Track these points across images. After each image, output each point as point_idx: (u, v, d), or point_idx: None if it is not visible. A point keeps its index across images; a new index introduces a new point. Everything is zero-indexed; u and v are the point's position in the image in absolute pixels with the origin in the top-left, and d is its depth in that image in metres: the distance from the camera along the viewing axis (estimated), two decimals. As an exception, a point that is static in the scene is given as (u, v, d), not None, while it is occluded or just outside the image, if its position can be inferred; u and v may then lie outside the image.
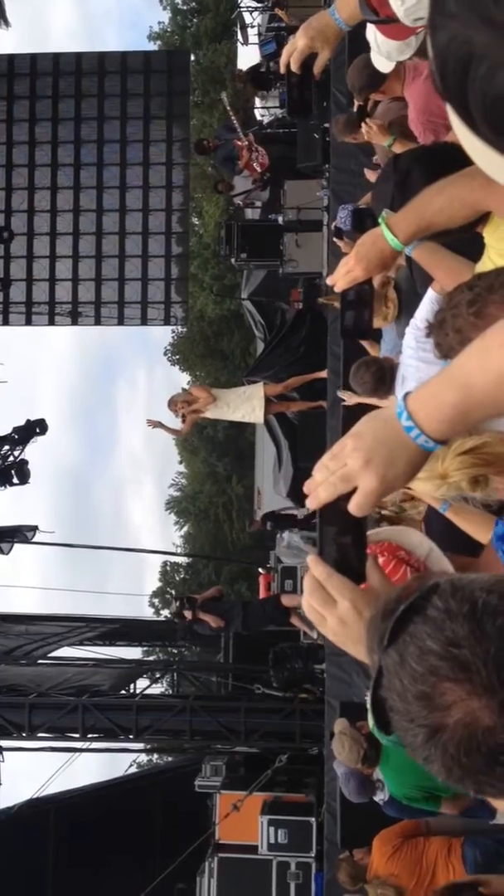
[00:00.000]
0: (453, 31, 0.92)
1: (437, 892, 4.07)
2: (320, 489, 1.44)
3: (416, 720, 1.10)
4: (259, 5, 16.50)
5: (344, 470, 1.42)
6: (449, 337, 2.27)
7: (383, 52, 4.26)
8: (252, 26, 16.19)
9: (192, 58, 26.67)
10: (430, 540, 2.07)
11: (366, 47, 4.25)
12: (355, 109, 6.45)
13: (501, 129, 0.94)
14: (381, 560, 1.91)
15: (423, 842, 5.23)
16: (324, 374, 9.91)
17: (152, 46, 38.90)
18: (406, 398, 1.42)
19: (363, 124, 5.53)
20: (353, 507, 1.42)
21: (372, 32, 4.46)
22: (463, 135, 1.00)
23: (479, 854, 5.11)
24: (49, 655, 12.91)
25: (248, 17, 16.38)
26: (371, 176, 7.18)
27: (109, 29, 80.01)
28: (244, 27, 16.22)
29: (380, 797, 5.27)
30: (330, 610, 1.45)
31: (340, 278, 2.46)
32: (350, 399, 6.42)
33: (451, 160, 2.23)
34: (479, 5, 0.89)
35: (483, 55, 0.90)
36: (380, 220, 2.42)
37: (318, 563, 1.46)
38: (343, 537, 1.47)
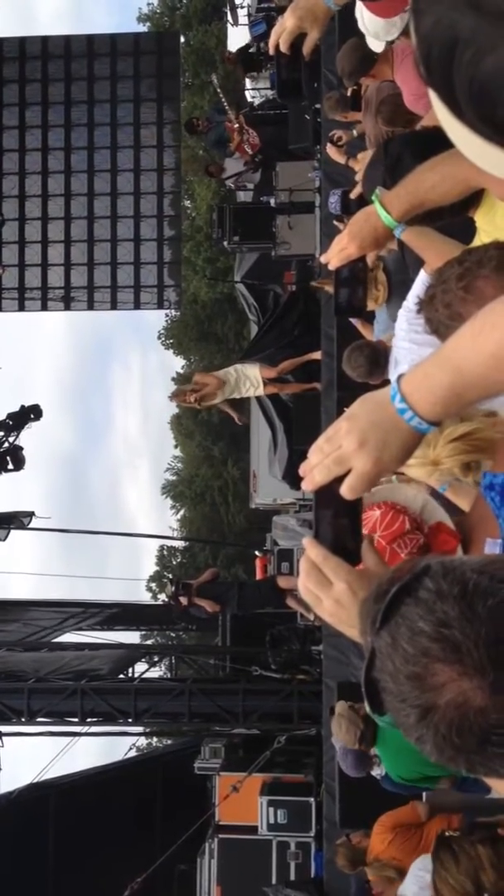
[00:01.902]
0: (438, 16, 0.90)
1: (451, 831, 4.10)
2: (315, 472, 1.45)
3: (408, 701, 1.11)
4: (248, -15, 16.41)
5: (338, 452, 1.43)
6: (438, 312, 2.27)
7: (371, 33, 4.27)
8: (241, 7, 16.10)
9: (182, 39, 26.50)
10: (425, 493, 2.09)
11: (357, 30, 4.25)
12: (348, 94, 6.45)
13: (487, 116, 0.93)
14: (378, 512, 1.92)
15: (423, 826, 5.28)
16: (317, 355, 9.90)
17: (142, 28, 38.64)
18: (399, 380, 1.42)
19: (362, 105, 5.51)
20: (346, 488, 1.43)
21: (359, 12, 4.45)
22: (446, 120, 0.99)
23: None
24: (47, 640, 12.96)
25: (237, -2, 16.28)
26: (332, 152, 7.17)
27: (98, 11, 79.34)
28: (234, 8, 16.13)
29: (377, 772, 5.33)
30: (326, 591, 1.46)
31: (334, 256, 2.46)
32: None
33: (442, 143, 2.23)
34: None
35: (469, 40, 0.88)
36: (373, 197, 2.42)
37: (314, 545, 1.47)
38: (338, 519, 1.48)
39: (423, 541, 1.86)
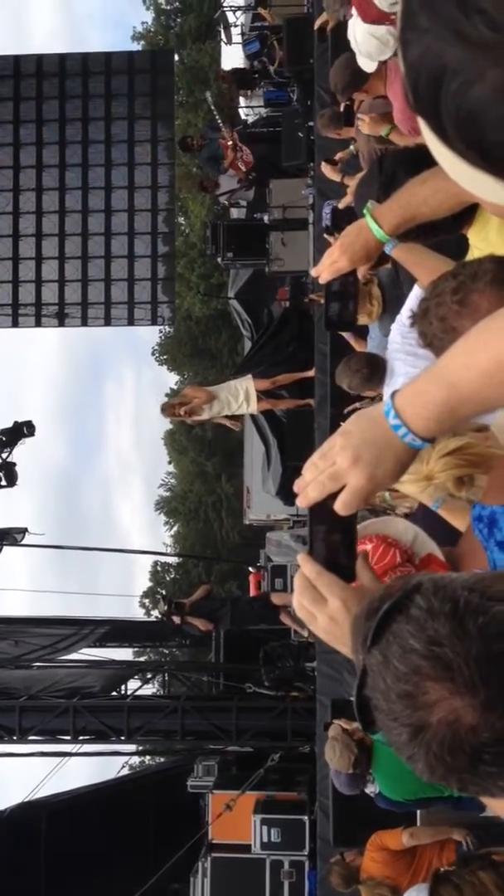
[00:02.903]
0: (426, 47, 0.92)
1: (446, 867, 4.07)
2: (309, 488, 1.45)
3: (399, 719, 1.11)
4: (242, 5, 16.51)
5: (332, 469, 1.43)
6: (433, 326, 2.26)
7: (364, 52, 4.28)
8: (235, 26, 16.18)
9: (177, 58, 26.63)
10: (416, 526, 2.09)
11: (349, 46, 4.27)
12: (341, 109, 6.47)
13: (474, 144, 0.95)
14: (370, 546, 1.92)
15: (415, 846, 5.26)
16: (312, 373, 9.90)
17: (136, 47, 38.88)
18: (393, 396, 1.42)
19: (356, 118, 5.53)
20: (340, 504, 1.43)
21: (351, 32, 4.48)
22: (435, 147, 1.01)
23: (472, 846, 5.14)
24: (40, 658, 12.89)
25: (231, 17, 16.36)
26: (327, 170, 7.20)
27: (93, 29, 79.79)
28: (227, 27, 16.21)
29: (370, 789, 5.30)
30: (320, 608, 1.45)
31: (325, 269, 2.44)
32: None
33: (435, 160, 2.23)
34: (451, 20, 0.89)
35: (456, 70, 0.90)
36: (364, 210, 2.41)
37: (309, 561, 1.47)
38: (333, 536, 1.47)
39: (414, 573, 1.86)
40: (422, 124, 1.00)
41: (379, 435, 1.41)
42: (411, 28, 0.94)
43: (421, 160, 2.31)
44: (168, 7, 42.37)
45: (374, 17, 4.07)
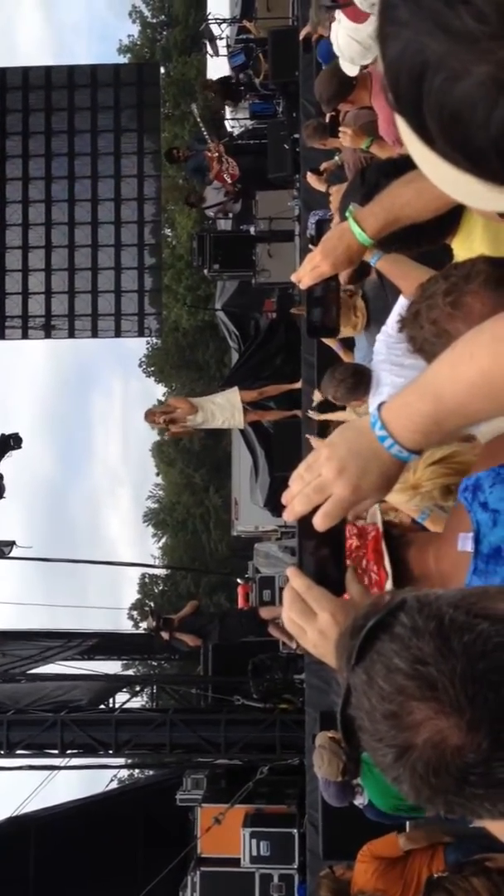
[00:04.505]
0: (406, 41, 0.85)
1: (439, 873, 4.05)
2: (296, 501, 1.44)
3: (384, 740, 1.08)
4: (227, 17, 16.57)
5: (318, 480, 1.42)
6: (424, 329, 2.19)
7: (346, 56, 4.30)
8: (221, 38, 16.23)
9: (162, 70, 26.70)
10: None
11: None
12: (327, 120, 6.49)
13: (458, 144, 0.88)
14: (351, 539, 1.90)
15: (405, 857, 5.22)
16: (299, 385, 9.90)
17: (122, 59, 38.98)
18: (380, 408, 1.41)
19: (339, 131, 5.54)
20: (321, 514, 1.41)
21: (334, 36, 4.50)
22: (415, 149, 0.95)
23: (461, 857, 5.11)
24: (26, 671, 12.82)
25: (216, 30, 16.41)
26: (313, 180, 7.21)
27: (79, 42, 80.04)
28: (213, 39, 16.26)
29: (359, 801, 5.27)
30: (310, 622, 1.44)
31: (306, 274, 2.39)
32: (316, 416, 6.41)
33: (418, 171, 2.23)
34: (433, 12, 0.83)
35: (439, 64, 0.84)
36: (347, 213, 2.38)
37: (298, 574, 1.45)
38: (321, 549, 1.46)
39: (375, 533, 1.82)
40: (402, 125, 0.94)
41: (365, 446, 1.40)
42: (391, 22, 0.87)
43: (405, 170, 2.29)
44: (154, 20, 42.55)
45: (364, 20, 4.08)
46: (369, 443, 1.40)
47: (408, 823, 5.91)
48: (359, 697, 1.11)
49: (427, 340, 2.17)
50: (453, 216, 2.51)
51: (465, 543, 1.66)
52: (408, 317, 2.27)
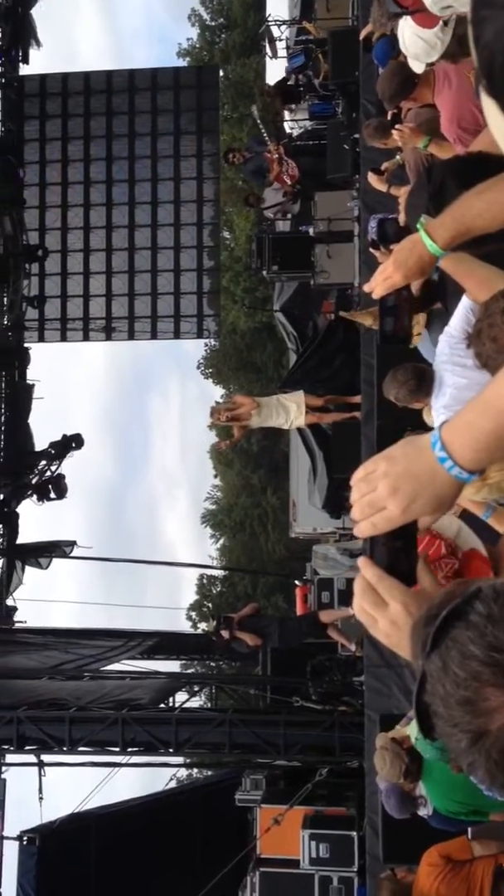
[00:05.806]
0: (501, 23, 0.83)
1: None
2: (361, 525, 1.47)
3: (459, 725, 1.10)
4: (287, 19, 16.56)
5: (372, 496, 1.44)
6: (486, 346, 2.27)
7: (411, 54, 4.30)
8: (280, 40, 16.23)
9: (221, 73, 26.83)
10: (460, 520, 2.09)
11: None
12: (388, 118, 6.46)
13: None
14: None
15: (470, 862, 5.15)
16: (359, 398, 9.88)
17: (181, 63, 39.25)
18: (441, 428, 1.42)
19: (395, 129, 5.51)
20: (368, 523, 1.44)
21: (400, 34, 4.48)
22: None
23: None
24: (90, 669, 12.97)
25: (275, 31, 16.41)
26: (374, 180, 7.17)
27: (138, 46, 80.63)
28: (272, 41, 16.26)
29: (423, 812, 5.20)
30: (381, 612, 1.45)
31: (378, 285, 2.44)
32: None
33: (485, 169, 2.22)
34: None
35: None
36: (418, 225, 2.41)
37: (369, 565, 1.47)
38: (394, 541, 1.48)
39: (457, 566, 1.85)
40: (491, 110, 0.91)
41: (423, 468, 1.42)
42: (485, 4, 0.85)
43: (470, 169, 2.29)
44: (213, 23, 42.75)
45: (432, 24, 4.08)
46: (428, 462, 1.41)
47: (469, 831, 5.84)
48: (434, 684, 1.13)
49: (490, 357, 2.23)
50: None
51: None
52: (472, 334, 2.33)
